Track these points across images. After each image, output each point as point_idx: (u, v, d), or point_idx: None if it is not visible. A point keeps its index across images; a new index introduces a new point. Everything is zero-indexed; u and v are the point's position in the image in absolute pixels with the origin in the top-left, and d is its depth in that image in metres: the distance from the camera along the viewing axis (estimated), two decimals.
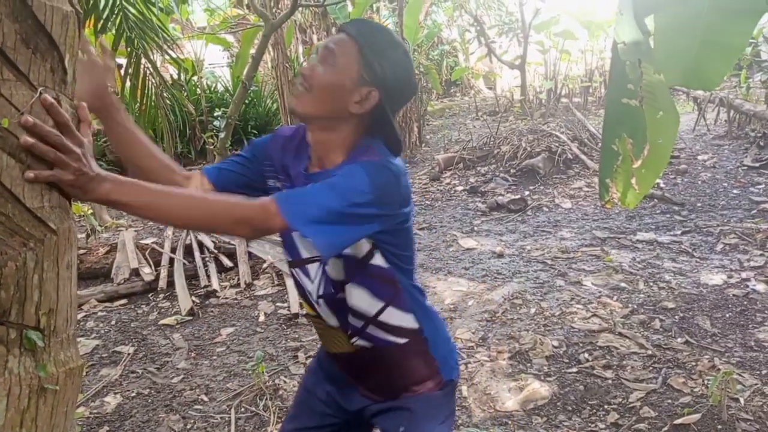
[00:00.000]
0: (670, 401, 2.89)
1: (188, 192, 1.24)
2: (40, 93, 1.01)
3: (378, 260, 1.39)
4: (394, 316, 1.44)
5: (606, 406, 2.89)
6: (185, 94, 8.23)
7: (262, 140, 1.52)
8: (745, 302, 3.84)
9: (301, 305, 1.58)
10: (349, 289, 1.41)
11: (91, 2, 4.25)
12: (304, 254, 1.45)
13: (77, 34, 1.12)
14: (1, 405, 0.96)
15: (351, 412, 1.58)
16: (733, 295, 3.95)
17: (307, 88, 1.31)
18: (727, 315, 3.70)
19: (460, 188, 7.28)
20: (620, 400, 2.93)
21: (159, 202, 1.16)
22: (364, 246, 1.36)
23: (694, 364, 3.19)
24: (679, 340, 3.44)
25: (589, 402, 2.93)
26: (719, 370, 3.04)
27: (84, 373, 1.16)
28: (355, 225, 1.25)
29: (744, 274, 4.24)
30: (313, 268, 1.45)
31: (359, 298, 1.42)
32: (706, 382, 2.99)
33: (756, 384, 2.96)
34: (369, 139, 1.37)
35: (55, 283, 1.04)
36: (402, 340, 1.46)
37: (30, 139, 0.99)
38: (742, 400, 2.83)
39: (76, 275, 1.12)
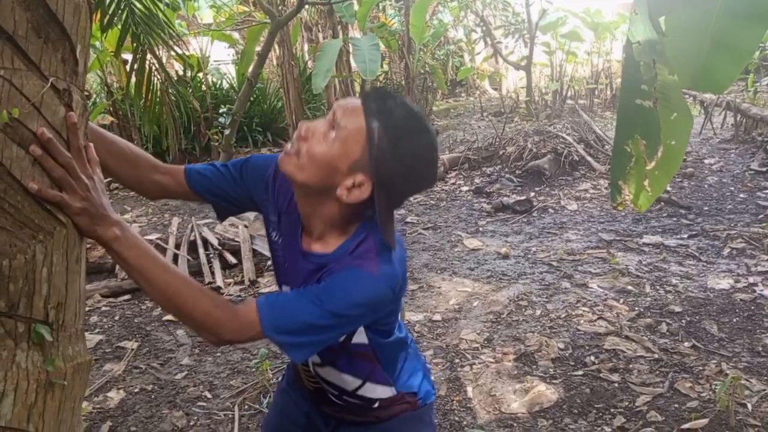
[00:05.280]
0: (677, 406, 2.87)
1: (186, 279, 1.16)
2: (51, 83, 1.00)
3: (359, 337, 1.30)
4: (370, 390, 1.40)
5: (612, 410, 2.87)
6: (190, 90, 8.22)
7: (261, 166, 1.38)
8: (753, 307, 3.81)
9: None
10: (326, 369, 1.37)
11: None
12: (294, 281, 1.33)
13: (89, 25, 1.10)
14: (8, 399, 0.94)
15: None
16: (741, 299, 3.92)
17: (297, 152, 1.18)
18: (735, 320, 3.67)
19: (465, 188, 7.26)
20: (627, 403, 2.91)
21: (154, 273, 1.11)
22: None
23: (701, 368, 3.16)
24: (686, 344, 3.42)
25: (596, 405, 2.91)
26: (726, 375, 3.01)
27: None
28: (336, 330, 1.18)
29: (751, 279, 4.21)
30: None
31: (336, 378, 1.38)
32: (713, 386, 2.96)
33: (764, 389, 2.93)
34: (367, 225, 1.24)
35: (64, 276, 1.02)
36: (375, 405, 1.43)
37: (39, 150, 0.97)
38: (749, 406, 2.81)
39: (84, 269, 1.11)
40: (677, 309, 3.83)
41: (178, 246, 5.07)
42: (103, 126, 7.74)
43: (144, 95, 5.03)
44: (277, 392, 1.71)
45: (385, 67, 10.49)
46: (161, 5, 5.06)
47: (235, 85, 9.94)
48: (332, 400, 1.46)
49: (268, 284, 4.58)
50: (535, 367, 3.28)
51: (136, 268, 1.11)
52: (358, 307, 1.14)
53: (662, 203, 5.92)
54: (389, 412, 1.46)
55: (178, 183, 1.38)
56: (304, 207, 1.25)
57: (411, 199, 6.96)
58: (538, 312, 3.92)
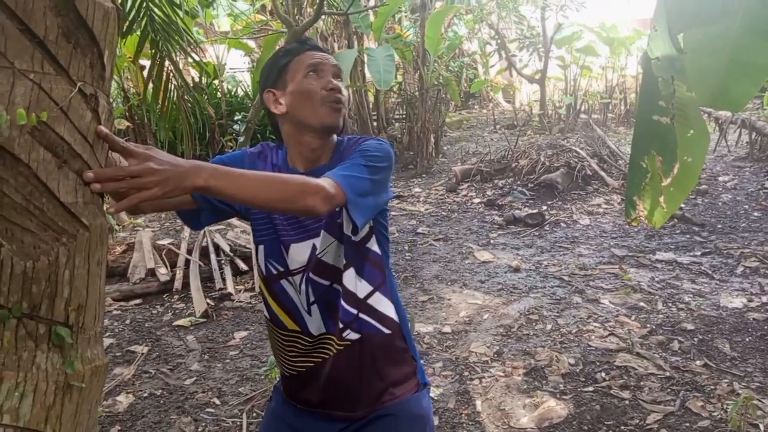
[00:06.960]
0: (688, 425, 2.84)
1: (267, 173, 1.32)
2: (79, 88, 1.01)
3: (373, 245, 1.50)
4: (381, 303, 1.50)
5: (622, 428, 2.84)
6: (206, 97, 8.28)
7: (239, 152, 1.61)
8: (766, 327, 3.77)
9: (275, 325, 1.55)
10: (344, 274, 1.47)
11: (118, 3, 4.29)
12: (293, 265, 1.47)
13: (116, 31, 1.12)
14: (27, 400, 0.95)
15: None
16: (754, 319, 3.88)
17: (344, 104, 1.50)
18: (747, 339, 3.63)
19: (476, 200, 7.25)
20: (637, 421, 2.88)
21: (251, 183, 1.20)
22: (365, 228, 1.48)
23: (713, 387, 3.13)
24: (697, 362, 3.39)
25: (606, 422, 2.89)
26: (739, 394, 2.98)
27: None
28: (381, 193, 1.41)
29: (765, 298, 4.17)
30: (299, 278, 1.47)
31: (351, 281, 1.47)
32: (725, 406, 2.93)
33: None
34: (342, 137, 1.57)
35: (85, 279, 1.03)
36: (387, 330, 1.50)
37: (97, 185, 1.02)
38: (761, 426, 2.77)
39: (105, 273, 1.12)
40: (689, 327, 3.80)
41: (190, 251, 5.09)
42: (119, 131, 7.81)
43: (161, 101, 5.08)
44: (267, 413, 1.69)
45: (399, 78, 10.52)
46: (180, 12, 5.10)
47: (250, 93, 10.00)
48: (345, 358, 1.47)
49: None
50: (545, 382, 3.26)
51: (237, 187, 1.18)
52: (383, 158, 1.41)
53: (676, 220, 5.88)
54: (395, 373, 1.50)
55: None
56: (321, 146, 1.49)
57: (422, 210, 6.97)
58: (549, 326, 3.90)
